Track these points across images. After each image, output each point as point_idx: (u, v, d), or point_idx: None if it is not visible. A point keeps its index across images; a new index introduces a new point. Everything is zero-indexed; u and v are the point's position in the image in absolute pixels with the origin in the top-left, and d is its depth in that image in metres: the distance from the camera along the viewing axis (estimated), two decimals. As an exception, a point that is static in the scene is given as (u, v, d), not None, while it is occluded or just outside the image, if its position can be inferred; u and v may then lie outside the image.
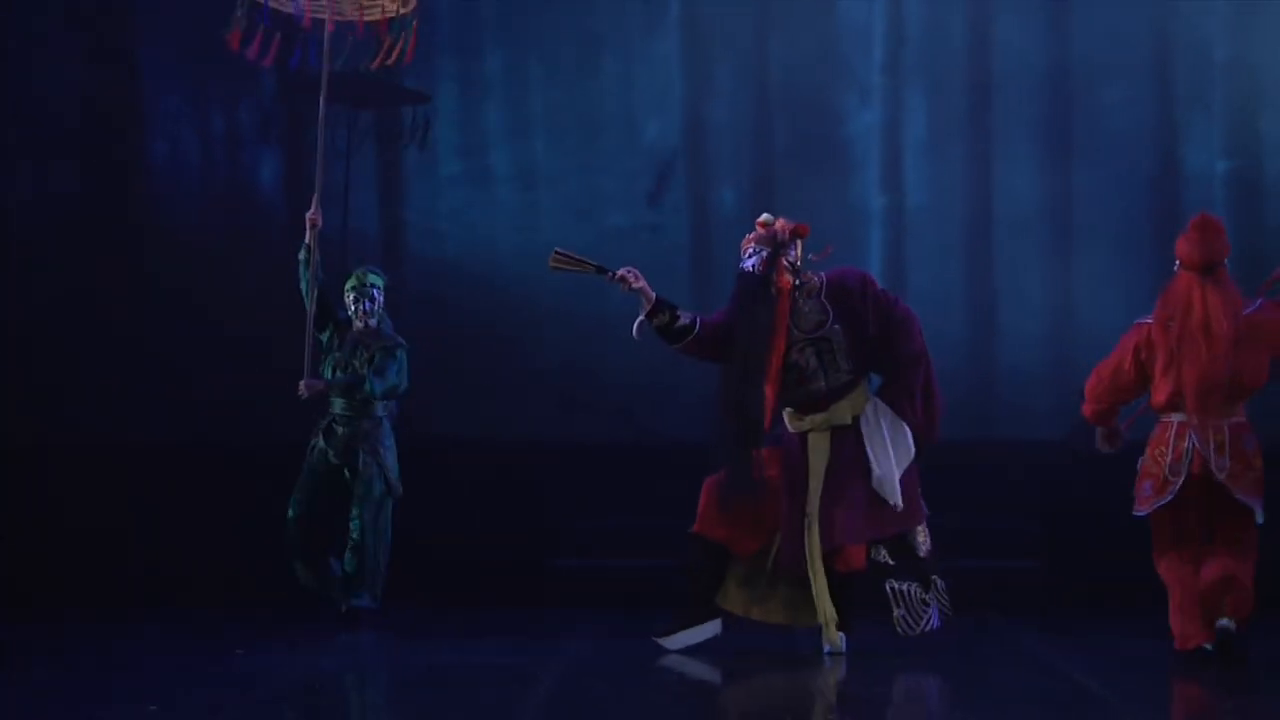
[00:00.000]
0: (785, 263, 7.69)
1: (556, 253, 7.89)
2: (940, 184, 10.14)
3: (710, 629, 7.89)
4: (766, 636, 8.07)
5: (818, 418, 7.69)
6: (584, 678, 7.56)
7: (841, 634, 7.73)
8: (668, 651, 7.85)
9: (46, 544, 9.83)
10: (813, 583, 7.68)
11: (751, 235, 7.82)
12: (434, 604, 9.54)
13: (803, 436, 7.71)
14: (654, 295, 7.74)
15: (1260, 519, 7.65)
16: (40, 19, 10.00)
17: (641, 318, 7.78)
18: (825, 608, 7.69)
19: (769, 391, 7.66)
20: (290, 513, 8.89)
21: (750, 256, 7.73)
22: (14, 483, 9.89)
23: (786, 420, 7.76)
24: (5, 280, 10.06)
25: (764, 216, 7.87)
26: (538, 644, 8.47)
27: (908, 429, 7.73)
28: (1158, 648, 8.12)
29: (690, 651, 7.87)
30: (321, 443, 8.88)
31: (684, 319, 7.75)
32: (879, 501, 7.68)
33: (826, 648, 7.69)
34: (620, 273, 7.72)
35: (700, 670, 7.68)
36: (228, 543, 9.46)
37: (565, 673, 7.57)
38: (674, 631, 7.86)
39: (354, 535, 8.84)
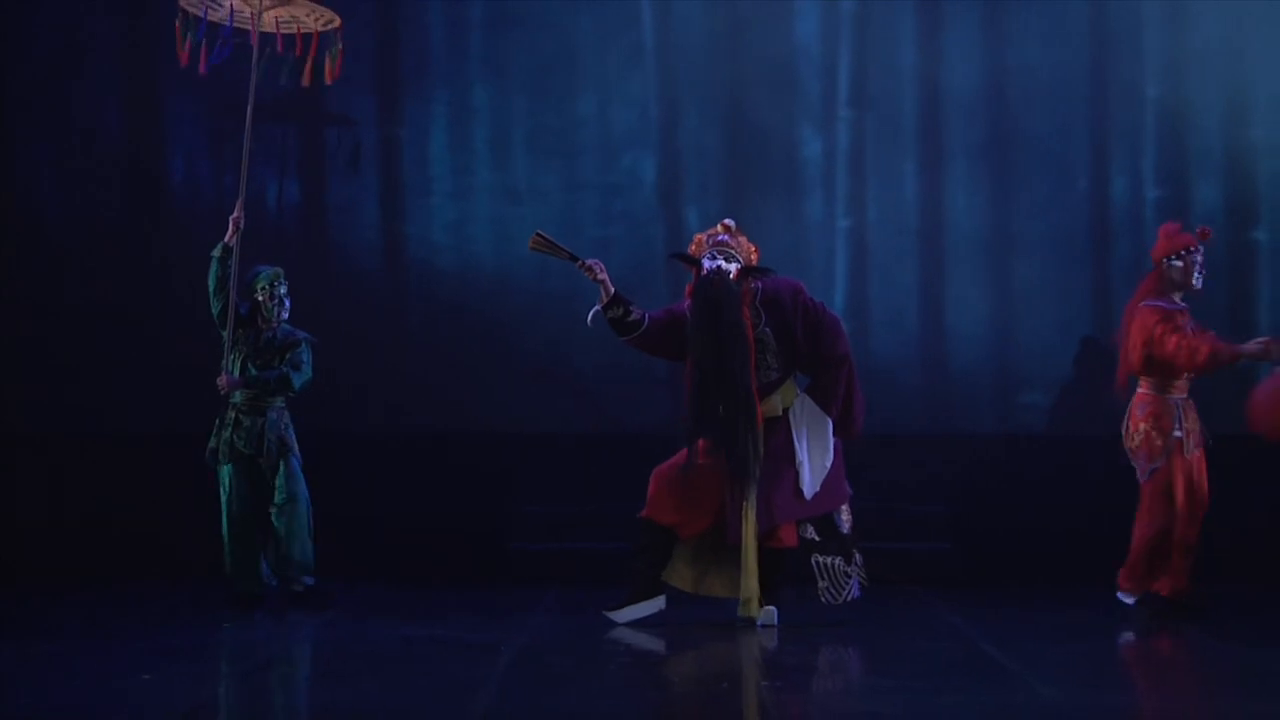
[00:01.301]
0: (750, 278, 8.24)
1: (537, 234, 8.32)
2: (894, 204, 10.43)
3: (655, 604, 8.34)
4: (706, 611, 8.48)
5: None
6: (541, 649, 7.92)
7: (773, 608, 8.20)
8: (617, 625, 8.28)
9: (58, 524, 10.16)
10: (743, 560, 8.16)
11: (715, 236, 8.31)
12: (403, 584, 9.75)
13: None
14: (613, 289, 8.21)
15: (1140, 479, 8.67)
16: (88, 51, 10.35)
17: (598, 308, 8.25)
18: (751, 585, 8.16)
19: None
20: (226, 529, 8.90)
21: (715, 259, 8.21)
22: (33, 467, 10.26)
23: None
24: (36, 284, 10.34)
25: (728, 221, 8.39)
26: (500, 620, 8.69)
27: (829, 423, 8.26)
28: (1053, 618, 8.79)
29: (637, 624, 8.30)
30: (229, 434, 8.87)
31: (635, 314, 8.23)
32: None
33: (759, 620, 8.15)
34: (589, 262, 8.19)
35: (646, 641, 8.08)
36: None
37: (524, 645, 7.92)
38: (623, 606, 8.32)
39: (284, 524, 8.84)
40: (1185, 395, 8.74)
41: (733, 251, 8.28)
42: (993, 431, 10.25)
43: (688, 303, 8.30)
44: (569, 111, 10.46)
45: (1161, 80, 10.36)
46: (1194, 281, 8.75)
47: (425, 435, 10.29)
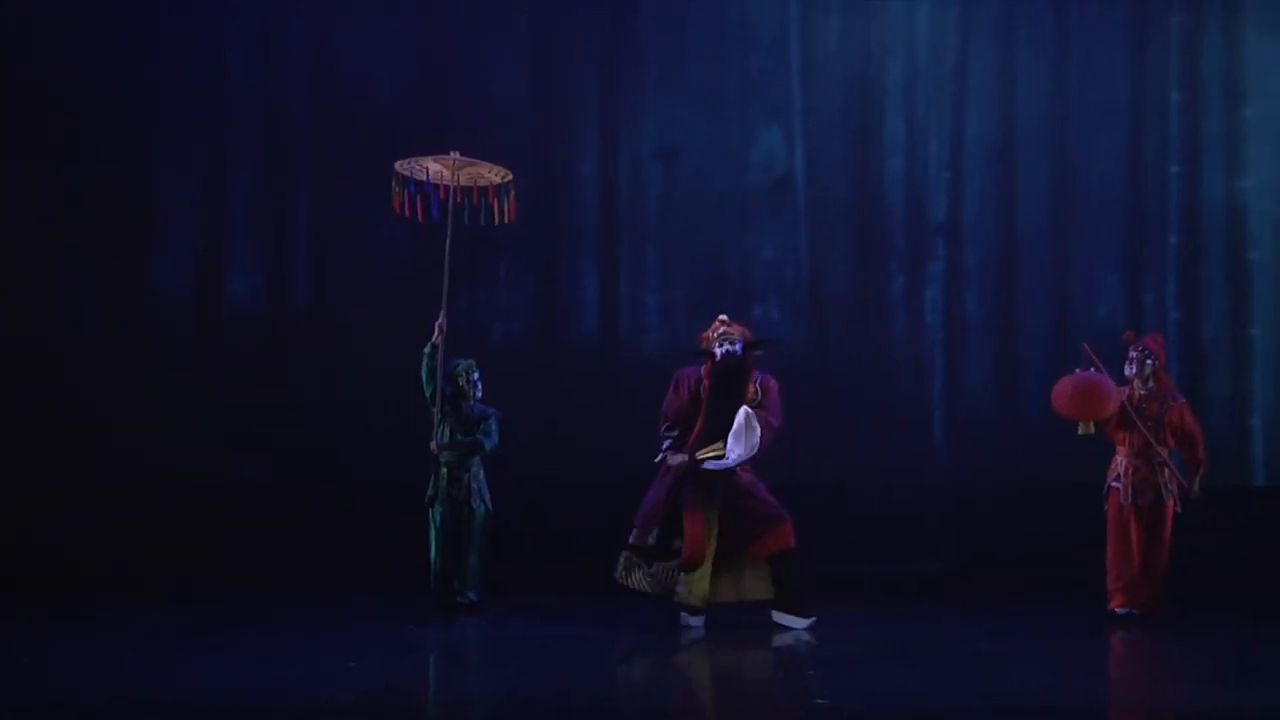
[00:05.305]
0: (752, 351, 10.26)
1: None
2: (978, 309, 12.13)
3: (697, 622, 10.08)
4: (767, 618, 9.91)
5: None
6: (646, 645, 9.48)
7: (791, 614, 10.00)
8: (700, 629, 9.78)
9: (269, 550, 11.52)
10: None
11: (720, 330, 10.18)
12: (539, 594, 11.01)
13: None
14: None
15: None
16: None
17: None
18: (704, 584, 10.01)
19: None
20: (434, 554, 10.41)
21: (725, 344, 10.12)
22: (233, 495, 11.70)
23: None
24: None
25: (723, 316, 10.35)
26: (612, 622, 10.01)
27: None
28: (1038, 626, 10.12)
29: (714, 626, 9.77)
30: (445, 484, 10.47)
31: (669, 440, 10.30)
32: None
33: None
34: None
35: (722, 639, 9.57)
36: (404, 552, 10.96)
37: (631, 641, 9.48)
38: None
39: (470, 551, 10.46)
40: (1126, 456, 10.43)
41: (734, 335, 10.21)
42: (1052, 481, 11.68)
43: (705, 382, 10.21)
44: (726, 240, 12.15)
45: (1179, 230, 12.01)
46: (1124, 372, 10.42)
47: (556, 479, 11.68)
